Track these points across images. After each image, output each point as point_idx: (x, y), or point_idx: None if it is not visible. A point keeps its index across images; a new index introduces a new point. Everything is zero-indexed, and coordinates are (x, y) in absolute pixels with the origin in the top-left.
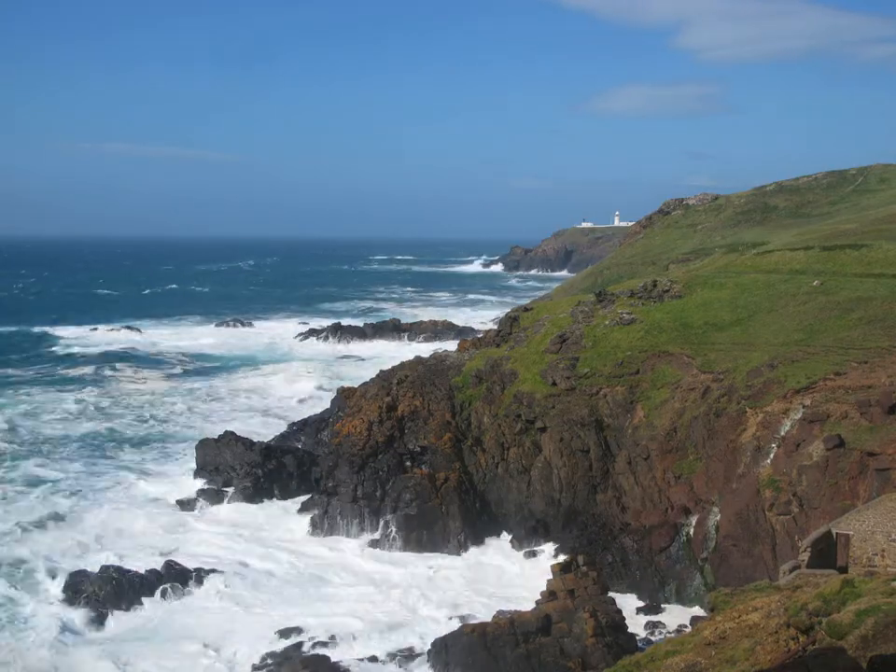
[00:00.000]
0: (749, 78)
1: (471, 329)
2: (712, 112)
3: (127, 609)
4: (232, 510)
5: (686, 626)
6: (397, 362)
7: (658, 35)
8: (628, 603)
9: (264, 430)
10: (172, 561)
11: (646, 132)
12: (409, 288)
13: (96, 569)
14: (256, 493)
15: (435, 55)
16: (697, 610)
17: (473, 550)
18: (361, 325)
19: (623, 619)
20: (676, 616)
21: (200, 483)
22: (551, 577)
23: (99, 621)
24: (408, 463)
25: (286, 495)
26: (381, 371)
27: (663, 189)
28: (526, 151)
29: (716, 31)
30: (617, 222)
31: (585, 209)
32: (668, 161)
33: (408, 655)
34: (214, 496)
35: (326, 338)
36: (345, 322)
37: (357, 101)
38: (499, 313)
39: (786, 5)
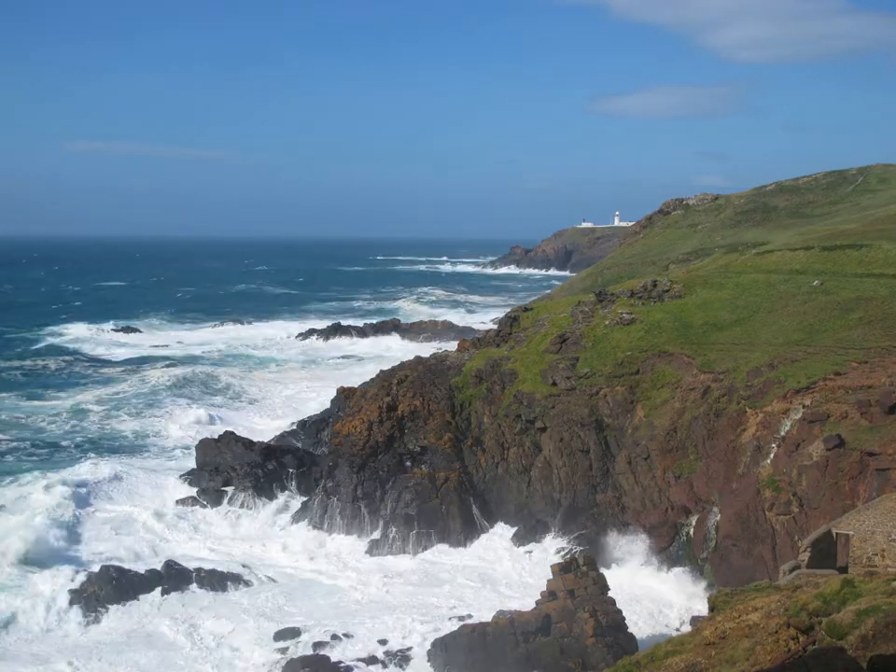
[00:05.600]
0: (773, 79)
1: (471, 329)
2: (733, 113)
3: (126, 609)
4: (232, 510)
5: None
6: (397, 362)
7: (686, 34)
8: None
9: (264, 430)
10: (171, 561)
11: (663, 132)
12: (410, 288)
13: (96, 569)
14: (256, 493)
15: (462, 55)
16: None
17: (473, 550)
18: (361, 325)
19: (624, 619)
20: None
21: (200, 483)
22: (551, 577)
23: (98, 620)
24: (408, 463)
25: (285, 495)
26: (381, 371)
27: (675, 189)
28: (541, 153)
29: (746, 30)
30: (617, 222)
31: (589, 209)
32: (683, 160)
33: (408, 655)
34: (213, 495)
35: (326, 337)
36: (345, 322)
37: (364, 102)
38: (499, 313)
39: (821, 3)
